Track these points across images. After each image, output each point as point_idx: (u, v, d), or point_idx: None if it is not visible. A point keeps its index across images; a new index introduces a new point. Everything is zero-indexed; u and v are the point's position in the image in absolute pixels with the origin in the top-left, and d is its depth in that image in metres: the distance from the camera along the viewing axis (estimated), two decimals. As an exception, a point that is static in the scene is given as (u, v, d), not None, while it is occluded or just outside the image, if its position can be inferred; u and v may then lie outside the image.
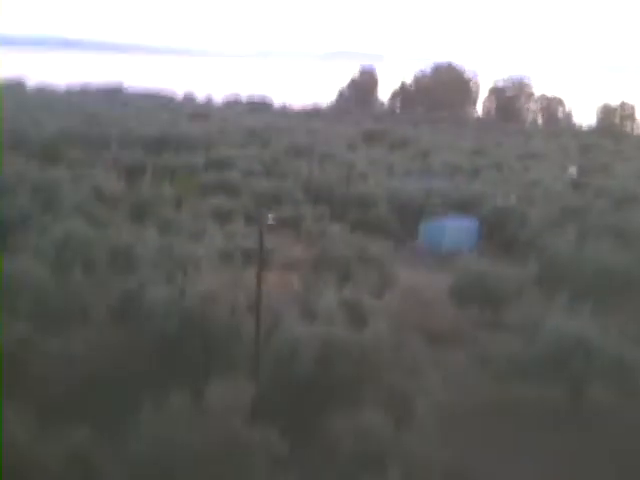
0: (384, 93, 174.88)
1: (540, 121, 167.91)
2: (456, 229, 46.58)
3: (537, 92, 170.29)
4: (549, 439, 22.09)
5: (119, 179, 50.44)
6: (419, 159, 79.00)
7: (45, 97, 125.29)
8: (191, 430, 12.60)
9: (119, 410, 14.96)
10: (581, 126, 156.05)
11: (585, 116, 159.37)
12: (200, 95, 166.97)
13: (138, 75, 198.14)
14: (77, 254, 28.75)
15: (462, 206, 51.37)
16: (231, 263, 28.15)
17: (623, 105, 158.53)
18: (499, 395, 24.56)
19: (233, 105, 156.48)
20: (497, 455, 20.92)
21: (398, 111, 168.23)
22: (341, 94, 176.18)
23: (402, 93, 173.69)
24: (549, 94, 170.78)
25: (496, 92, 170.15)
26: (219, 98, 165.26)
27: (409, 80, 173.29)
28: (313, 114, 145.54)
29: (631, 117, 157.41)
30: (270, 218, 20.46)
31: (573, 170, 76.55)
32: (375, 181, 58.53)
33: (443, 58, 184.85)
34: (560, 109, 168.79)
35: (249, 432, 13.27)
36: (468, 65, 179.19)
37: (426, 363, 20.96)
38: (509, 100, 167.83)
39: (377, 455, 15.58)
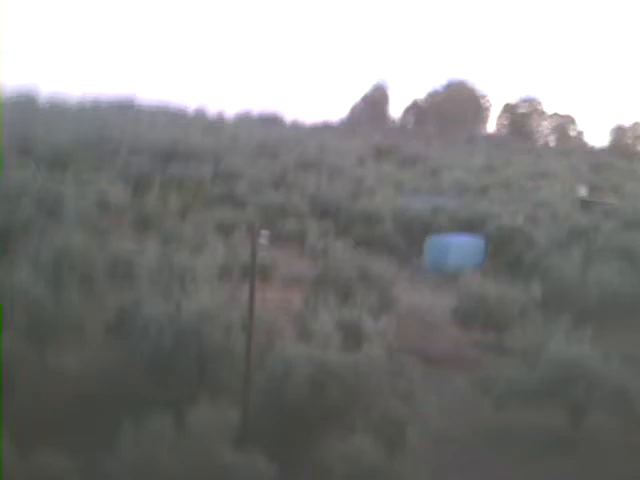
0: (396, 109, 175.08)
1: (552, 140, 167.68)
2: (461, 247, 46.24)
3: (549, 111, 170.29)
4: (548, 466, 21.68)
5: (126, 189, 50.37)
6: (428, 176, 78.76)
7: (56, 109, 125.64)
8: (172, 453, 12.29)
9: (105, 429, 14.64)
10: (593, 146, 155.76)
11: (597, 136, 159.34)
12: (212, 109, 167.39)
13: (150, 87, 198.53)
14: (75, 266, 28.54)
15: (469, 224, 51.04)
16: (230, 278, 27.83)
17: (636, 125, 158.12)
18: (498, 421, 24.14)
19: (244, 119, 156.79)
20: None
21: (410, 127, 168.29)
22: (353, 109, 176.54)
23: (414, 110, 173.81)
24: (561, 113, 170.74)
25: (508, 110, 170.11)
26: (231, 113, 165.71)
27: (422, 97, 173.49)
28: (324, 129, 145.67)
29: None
30: (263, 235, 20.08)
31: (583, 190, 76.18)
32: (382, 197, 58.25)
33: (456, 76, 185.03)
34: (572, 128, 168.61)
35: (233, 456, 12.93)
36: (481, 83, 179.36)
37: (422, 388, 20.58)
38: (521, 118, 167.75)
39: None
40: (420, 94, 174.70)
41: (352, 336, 21.73)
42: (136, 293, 25.55)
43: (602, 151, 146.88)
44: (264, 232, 20.14)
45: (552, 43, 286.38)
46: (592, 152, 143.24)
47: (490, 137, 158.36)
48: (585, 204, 65.70)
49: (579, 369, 22.98)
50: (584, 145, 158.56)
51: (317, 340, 19.93)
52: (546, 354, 23.75)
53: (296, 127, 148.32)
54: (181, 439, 13.14)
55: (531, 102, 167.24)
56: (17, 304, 22.06)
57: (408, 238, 48.63)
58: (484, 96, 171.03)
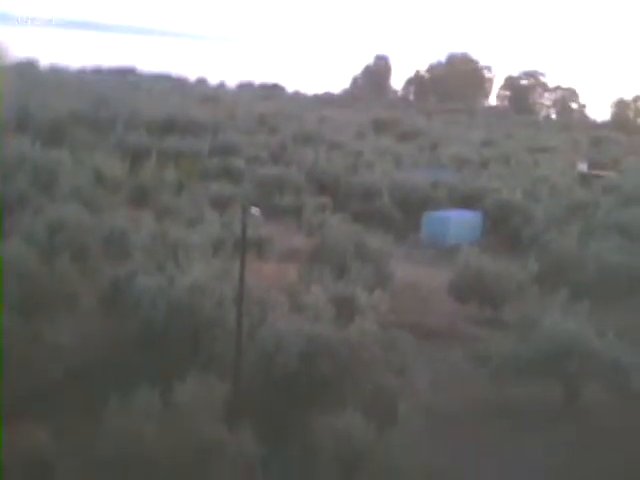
0: (398, 81, 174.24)
1: (553, 113, 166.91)
2: (459, 222, 46.06)
3: (551, 84, 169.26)
4: (542, 440, 21.66)
5: (123, 162, 50.02)
6: (428, 150, 78.35)
7: (56, 78, 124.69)
8: (158, 428, 12.19)
9: (93, 403, 14.54)
10: (595, 120, 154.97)
11: (599, 109, 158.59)
12: (213, 80, 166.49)
13: (151, 58, 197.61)
14: (70, 239, 28.42)
15: (467, 199, 50.85)
16: (224, 252, 27.68)
17: (638, 98, 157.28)
18: (492, 395, 24.11)
19: (245, 90, 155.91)
20: (487, 456, 20.45)
21: (411, 100, 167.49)
22: (355, 81, 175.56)
23: (416, 82, 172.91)
24: (563, 86, 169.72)
25: (510, 83, 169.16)
26: (232, 83, 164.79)
27: (423, 69, 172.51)
28: (325, 101, 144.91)
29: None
30: (254, 210, 19.94)
31: (583, 164, 75.82)
32: (381, 171, 57.95)
33: (457, 48, 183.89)
34: (574, 102, 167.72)
35: (220, 431, 12.84)
36: (482, 56, 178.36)
37: (416, 362, 20.50)
38: (523, 92, 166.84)
39: (357, 458, 15.14)
40: (422, 66, 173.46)
41: (346, 310, 21.62)
42: (130, 266, 25.41)
43: (603, 125, 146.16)
44: (254, 208, 20.00)
45: (554, 16, 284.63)
46: (593, 126, 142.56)
47: (491, 110, 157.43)
48: (585, 179, 65.39)
49: (574, 343, 22.96)
50: (585, 119, 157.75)
51: (309, 313, 19.82)
52: (542, 328, 23.71)
53: (297, 98, 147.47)
54: (168, 414, 13.04)
55: (533, 75, 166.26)
56: (9, 277, 21.91)
57: (406, 213, 48.44)
58: (486, 69, 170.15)
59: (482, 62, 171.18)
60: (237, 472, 12.87)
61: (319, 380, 18.15)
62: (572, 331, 23.18)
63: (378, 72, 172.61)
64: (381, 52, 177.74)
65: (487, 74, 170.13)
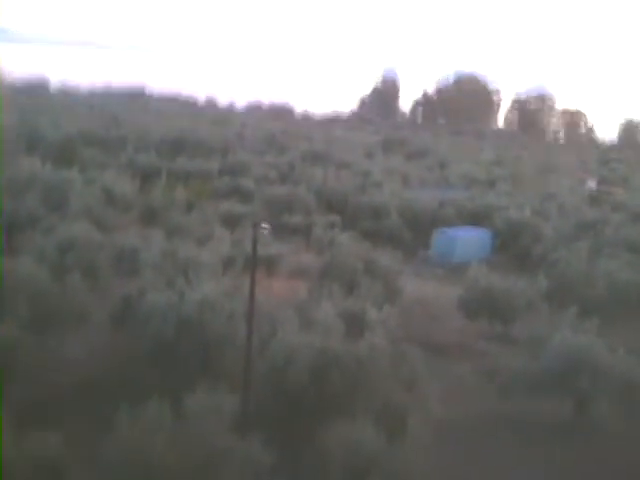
0: (406, 102, 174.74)
1: (562, 135, 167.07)
2: (468, 240, 46.08)
3: (559, 105, 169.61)
4: (550, 455, 21.64)
5: (133, 182, 50.23)
6: (436, 170, 78.51)
7: (66, 98, 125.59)
8: (169, 439, 12.25)
9: (104, 416, 14.61)
10: (603, 140, 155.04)
11: (607, 131, 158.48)
12: (222, 100, 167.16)
13: (161, 77, 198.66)
14: (80, 257, 28.54)
15: (476, 217, 50.87)
16: (234, 269, 27.81)
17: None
18: (501, 410, 24.12)
19: (254, 111, 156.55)
20: (495, 471, 20.43)
21: (419, 120, 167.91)
22: (363, 102, 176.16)
23: (424, 103, 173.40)
24: (571, 108, 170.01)
25: (518, 104, 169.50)
26: (241, 103, 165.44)
27: (431, 90, 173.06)
28: (334, 121, 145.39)
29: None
30: (264, 227, 20.06)
31: (591, 183, 75.90)
32: (390, 190, 58.07)
33: (465, 69, 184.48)
34: (582, 123, 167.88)
35: (230, 442, 12.89)
36: (490, 77, 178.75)
37: (425, 376, 20.53)
38: (531, 113, 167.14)
39: (367, 469, 15.16)
40: (430, 86, 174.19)
41: (355, 326, 21.66)
42: (140, 283, 25.54)
43: (612, 145, 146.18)
44: (265, 225, 20.13)
45: (563, 38, 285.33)
46: (601, 146, 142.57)
47: (499, 132, 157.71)
48: (593, 197, 65.46)
49: (584, 359, 22.91)
50: (594, 139, 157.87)
51: (319, 329, 19.88)
52: (551, 344, 23.68)
53: (306, 119, 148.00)
54: (178, 425, 13.11)
55: (541, 97, 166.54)
56: (21, 293, 22.05)
57: (415, 231, 48.51)
58: (494, 90, 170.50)
59: (490, 82, 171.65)
60: (248, 478, 12.91)
61: (329, 394, 18.18)
62: (582, 347, 23.15)
63: (386, 93, 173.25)
64: (389, 72, 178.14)
65: (495, 96, 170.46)
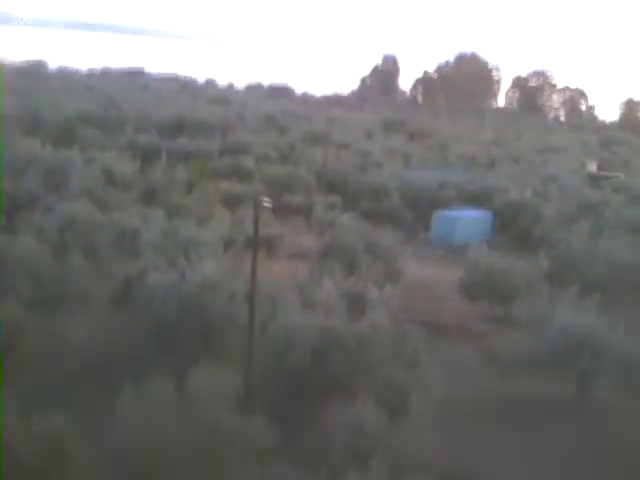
0: (406, 82, 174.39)
1: (562, 114, 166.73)
2: (469, 221, 46.01)
3: (560, 84, 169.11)
4: (550, 436, 21.65)
5: (133, 163, 50.15)
6: (437, 150, 78.37)
7: (65, 79, 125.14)
8: (172, 416, 12.27)
9: (106, 397, 14.62)
10: (604, 120, 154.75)
11: (608, 110, 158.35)
12: (222, 82, 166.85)
13: (160, 60, 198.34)
14: (81, 237, 28.50)
15: (476, 199, 50.80)
16: (235, 250, 27.78)
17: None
18: (502, 391, 24.13)
19: (254, 92, 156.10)
20: (496, 451, 20.47)
21: (420, 100, 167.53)
22: (363, 82, 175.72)
23: (424, 83, 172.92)
24: (572, 87, 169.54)
25: (519, 84, 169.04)
26: (241, 85, 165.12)
27: (432, 70, 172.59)
28: (334, 102, 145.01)
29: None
30: (266, 202, 20.02)
31: (592, 165, 75.73)
32: (390, 171, 57.98)
33: (466, 48, 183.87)
34: (583, 102, 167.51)
35: (233, 420, 12.92)
36: (491, 56, 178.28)
37: (427, 356, 20.55)
38: (532, 92, 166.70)
39: (369, 448, 15.18)
40: (430, 67, 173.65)
41: (356, 306, 21.63)
42: (141, 263, 25.51)
43: (612, 125, 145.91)
44: (266, 200, 20.09)
45: (563, 16, 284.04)
46: (602, 126, 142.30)
47: (500, 110, 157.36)
48: (594, 179, 65.34)
49: (586, 338, 22.91)
50: (594, 119, 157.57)
51: (320, 308, 19.88)
52: (552, 323, 23.68)
53: (306, 99, 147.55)
54: (181, 403, 13.13)
55: (542, 75, 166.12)
56: (21, 272, 22.04)
57: (415, 212, 48.41)
58: (494, 69, 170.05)
59: (490, 62, 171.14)
60: (251, 458, 12.95)
61: (331, 373, 18.20)
62: (583, 326, 23.15)
63: (386, 73, 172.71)
64: (389, 52, 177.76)
65: (495, 75, 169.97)
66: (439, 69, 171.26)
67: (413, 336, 20.11)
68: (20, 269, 22.12)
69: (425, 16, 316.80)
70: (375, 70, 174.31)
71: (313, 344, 18.49)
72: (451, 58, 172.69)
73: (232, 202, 41.53)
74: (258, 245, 20.05)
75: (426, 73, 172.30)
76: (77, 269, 23.75)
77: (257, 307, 19.24)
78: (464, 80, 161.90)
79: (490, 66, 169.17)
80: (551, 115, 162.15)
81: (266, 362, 18.60)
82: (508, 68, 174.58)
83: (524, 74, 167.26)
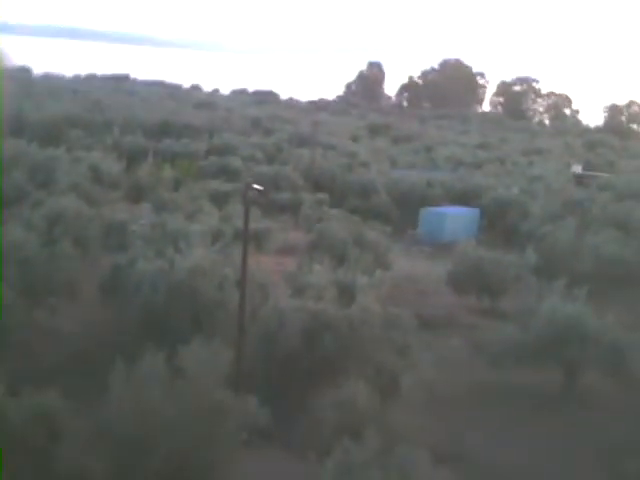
0: (391, 88, 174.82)
1: (547, 119, 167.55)
2: (456, 218, 46.14)
3: (544, 90, 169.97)
4: (539, 422, 21.70)
5: (119, 162, 50.02)
6: (422, 153, 78.55)
7: (50, 84, 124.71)
8: (165, 393, 12.23)
9: (97, 383, 14.51)
10: (588, 125, 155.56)
11: (592, 115, 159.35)
12: (207, 88, 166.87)
13: (145, 67, 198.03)
14: (69, 229, 28.40)
15: (463, 197, 50.96)
16: (223, 240, 27.70)
17: (630, 104, 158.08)
18: (492, 380, 24.18)
19: (239, 97, 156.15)
20: (484, 436, 20.50)
21: (405, 106, 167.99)
22: (349, 88, 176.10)
23: (409, 88, 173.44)
24: (556, 92, 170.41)
25: (503, 89, 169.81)
26: (226, 91, 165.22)
27: (417, 76, 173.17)
28: (319, 107, 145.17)
29: (638, 116, 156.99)
30: (256, 186, 20.01)
31: (577, 167, 76.10)
32: (377, 170, 58.08)
33: (451, 55, 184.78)
34: (567, 107, 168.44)
35: (226, 397, 12.89)
36: (476, 62, 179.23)
37: (416, 342, 20.58)
38: (516, 98, 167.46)
39: (360, 427, 15.15)
40: (415, 73, 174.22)
41: (346, 294, 21.64)
42: (130, 254, 25.43)
43: (597, 130, 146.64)
44: (257, 186, 20.10)
45: (547, 22, 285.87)
46: (586, 130, 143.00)
47: (485, 116, 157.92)
48: (580, 180, 65.63)
49: (573, 326, 23.00)
50: (579, 124, 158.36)
51: (311, 293, 19.88)
52: (541, 312, 23.75)
53: (291, 105, 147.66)
54: (174, 379, 13.08)
55: (526, 81, 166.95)
56: (10, 262, 21.93)
57: (403, 210, 48.49)
58: (479, 75, 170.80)
59: (475, 68, 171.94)
60: (243, 435, 12.92)
61: (322, 357, 18.20)
62: (571, 315, 23.23)
63: (372, 79, 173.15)
64: (374, 59, 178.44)
65: (480, 80, 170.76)
66: (424, 75, 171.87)
67: (403, 321, 20.11)
68: (9, 256, 21.98)
69: (411, 22, 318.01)
70: (360, 76, 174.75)
71: (304, 327, 18.48)
72: (436, 64, 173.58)
73: (220, 199, 41.47)
74: (247, 240, 19.96)
75: (411, 79, 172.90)
76: (65, 257, 23.63)
77: (248, 294, 19.19)
78: (449, 86, 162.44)
79: (475, 72, 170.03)
80: (536, 120, 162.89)
81: (257, 345, 18.57)
82: (493, 74, 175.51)
83: (509, 80, 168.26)
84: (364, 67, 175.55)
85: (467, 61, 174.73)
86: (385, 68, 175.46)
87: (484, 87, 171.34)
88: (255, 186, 19.67)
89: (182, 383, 12.89)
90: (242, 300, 17.66)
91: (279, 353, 18.46)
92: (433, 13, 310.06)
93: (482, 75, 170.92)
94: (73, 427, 11.66)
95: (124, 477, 11.39)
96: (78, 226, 29.01)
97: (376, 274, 22.35)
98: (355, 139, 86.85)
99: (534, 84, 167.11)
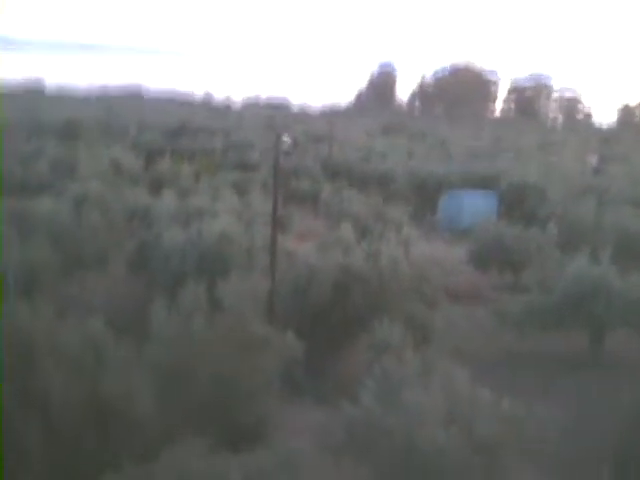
0: (403, 92, 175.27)
1: (559, 120, 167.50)
2: (475, 204, 46.22)
3: (557, 91, 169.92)
4: (566, 383, 21.75)
5: (138, 160, 50.49)
6: (438, 147, 78.84)
7: (65, 93, 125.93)
8: (206, 322, 12.50)
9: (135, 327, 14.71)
10: (601, 124, 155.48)
11: (605, 115, 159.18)
12: (219, 96, 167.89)
13: (157, 76, 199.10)
14: (95, 211, 28.77)
15: (482, 182, 51.02)
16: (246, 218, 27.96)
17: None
18: (518, 346, 24.29)
19: (252, 105, 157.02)
20: (511, 397, 20.56)
21: (417, 110, 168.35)
22: (360, 93, 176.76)
23: (421, 93, 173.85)
24: (569, 93, 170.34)
25: (515, 91, 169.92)
26: (238, 98, 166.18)
27: (428, 78, 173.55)
28: (332, 112, 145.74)
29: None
30: (287, 140, 20.33)
31: (593, 158, 76.22)
32: (395, 161, 58.35)
33: (462, 56, 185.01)
34: (580, 108, 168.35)
35: (265, 328, 13.14)
36: (487, 64, 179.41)
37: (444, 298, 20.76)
38: (528, 99, 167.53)
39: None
40: (427, 74, 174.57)
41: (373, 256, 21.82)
42: (156, 230, 25.74)
43: (609, 130, 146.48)
44: (287, 139, 20.38)
45: (560, 21, 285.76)
46: (599, 131, 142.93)
47: (497, 119, 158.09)
48: (595, 172, 65.72)
49: (600, 284, 23.08)
50: (591, 124, 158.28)
51: (340, 248, 20.12)
52: (567, 273, 23.86)
53: (303, 111, 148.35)
54: (214, 310, 13.35)
55: (538, 82, 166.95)
56: (42, 232, 22.28)
57: (421, 197, 48.71)
58: (491, 77, 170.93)
59: (487, 68, 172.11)
60: (281, 367, 13.14)
61: (352, 311, 18.41)
62: (596, 274, 23.34)
63: (383, 83, 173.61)
64: (386, 61, 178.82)
65: (492, 80, 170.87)
66: (436, 76, 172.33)
67: (432, 276, 20.32)
68: (41, 227, 22.34)
69: (421, 23, 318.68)
70: (372, 79, 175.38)
71: (334, 281, 18.69)
72: (448, 65, 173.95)
73: (241, 188, 41.80)
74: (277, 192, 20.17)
75: (423, 82, 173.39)
76: (94, 230, 23.95)
77: (277, 241, 19.38)
78: (461, 87, 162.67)
79: (487, 72, 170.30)
80: (549, 119, 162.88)
81: (287, 301, 18.78)
82: (505, 73, 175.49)
83: (521, 79, 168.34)
84: (376, 70, 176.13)
85: (479, 60, 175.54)
86: (397, 70, 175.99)
87: (496, 87, 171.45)
88: (285, 138, 19.95)
89: (223, 314, 13.16)
90: (273, 242, 17.89)
91: (309, 308, 18.67)
92: (444, 13, 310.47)
93: (494, 74, 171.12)
94: (118, 354, 11.91)
95: (168, 402, 11.64)
96: (104, 208, 29.36)
97: (404, 231, 22.52)
98: (370, 136, 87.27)
99: (546, 84, 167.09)
